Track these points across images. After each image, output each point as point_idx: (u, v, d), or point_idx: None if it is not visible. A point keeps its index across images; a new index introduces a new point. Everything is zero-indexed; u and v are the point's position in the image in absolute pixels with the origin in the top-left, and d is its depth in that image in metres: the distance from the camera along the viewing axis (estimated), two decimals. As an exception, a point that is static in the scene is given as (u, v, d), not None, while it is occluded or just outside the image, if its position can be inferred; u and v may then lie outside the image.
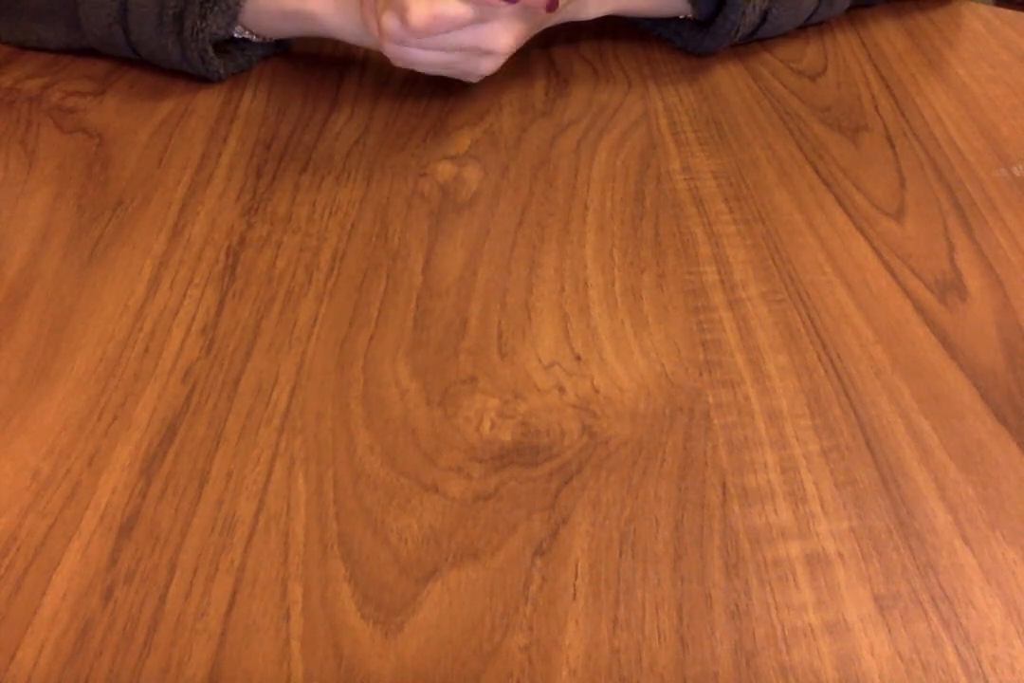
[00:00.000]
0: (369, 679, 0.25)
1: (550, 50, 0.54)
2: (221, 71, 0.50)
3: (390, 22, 0.41)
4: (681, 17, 0.53)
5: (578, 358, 0.35)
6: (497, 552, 0.28)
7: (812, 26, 0.56)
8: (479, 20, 0.41)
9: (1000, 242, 0.40)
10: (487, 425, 0.32)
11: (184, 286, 0.38)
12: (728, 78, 0.52)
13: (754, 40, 0.54)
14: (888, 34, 0.56)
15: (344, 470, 0.30)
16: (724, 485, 0.30)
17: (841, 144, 0.46)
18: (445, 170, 0.45)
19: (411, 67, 0.45)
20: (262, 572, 0.28)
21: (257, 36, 0.50)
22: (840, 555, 0.28)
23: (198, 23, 0.46)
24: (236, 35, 0.50)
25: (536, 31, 0.46)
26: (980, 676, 0.25)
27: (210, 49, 0.48)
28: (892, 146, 0.46)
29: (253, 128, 0.48)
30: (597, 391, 0.33)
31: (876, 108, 0.49)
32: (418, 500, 0.30)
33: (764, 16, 0.50)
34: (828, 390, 0.33)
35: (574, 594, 0.27)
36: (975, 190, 0.43)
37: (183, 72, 0.51)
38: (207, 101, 0.50)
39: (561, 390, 0.33)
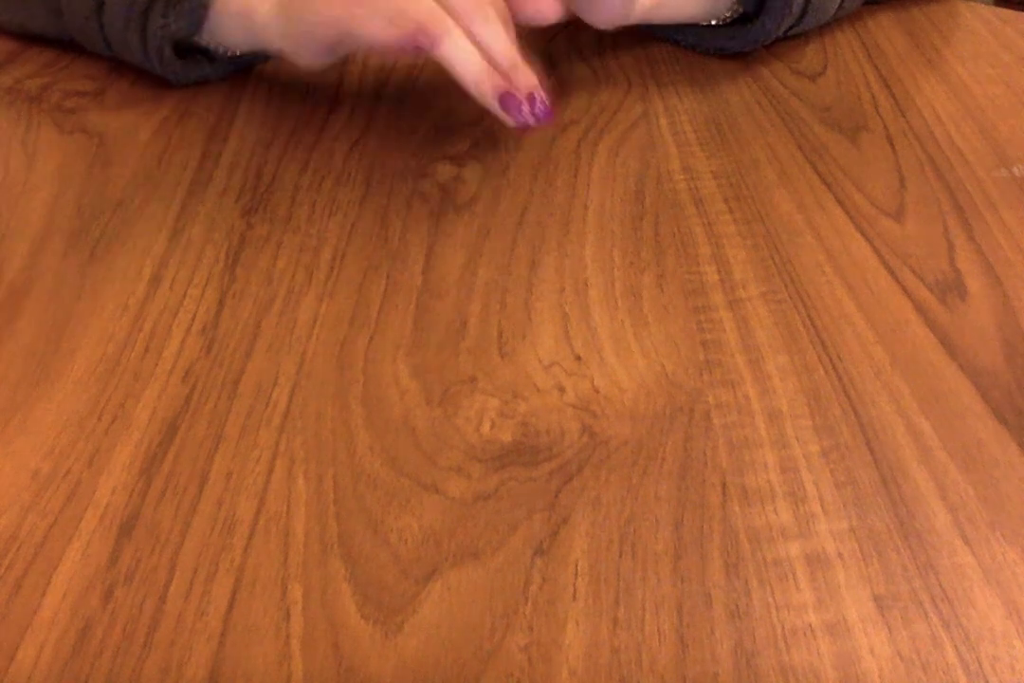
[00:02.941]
0: (369, 679, 0.25)
1: (550, 50, 0.54)
2: (181, 76, 0.49)
3: None
4: (727, 18, 0.51)
5: (578, 358, 0.35)
6: (497, 552, 0.28)
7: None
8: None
9: (1000, 242, 0.40)
10: (487, 425, 0.32)
11: (184, 286, 0.38)
12: (728, 78, 0.52)
13: (792, 35, 0.53)
14: (888, 34, 0.56)
15: (344, 470, 0.31)
16: (724, 485, 0.30)
17: (841, 144, 0.46)
18: (445, 170, 0.45)
19: None
20: (262, 572, 0.28)
21: (217, 46, 0.49)
22: (840, 555, 0.28)
23: (160, 21, 0.45)
24: (200, 44, 0.48)
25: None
26: (980, 676, 0.25)
27: (168, 49, 0.47)
28: (892, 146, 0.46)
29: (253, 128, 0.48)
30: (597, 391, 0.33)
31: (876, 108, 0.49)
32: (418, 500, 0.30)
33: (805, 4, 0.49)
34: (828, 390, 0.33)
35: (574, 594, 0.27)
36: (975, 190, 0.43)
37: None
38: (207, 101, 0.49)
39: (561, 390, 0.33)
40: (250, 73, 0.52)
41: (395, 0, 0.39)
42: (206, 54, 0.50)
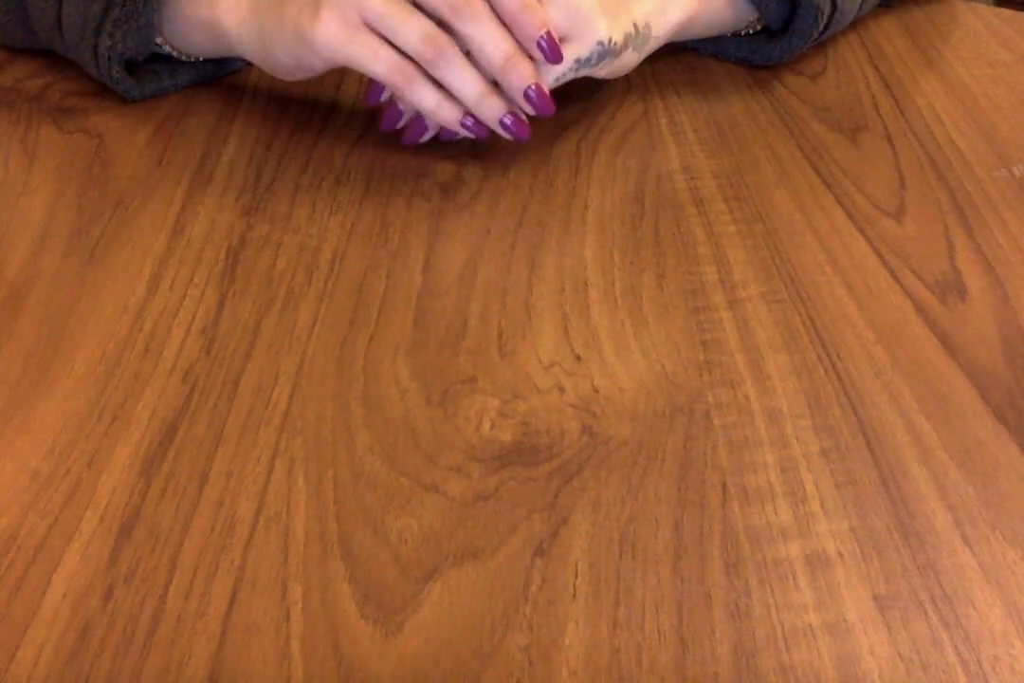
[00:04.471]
0: (369, 679, 0.25)
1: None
2: (135, 92, 0.48)
3: None
4: (750, 30, 0.51)
5: (578, 358, 0.35)
6: (497, 552, 0.28)
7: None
8: None
9: (1000, 242, 0.40)
10: (487, 425, 0.32)
11: (184, 286, 0.38)
12: (728, 78, 0.52)
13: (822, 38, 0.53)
14: (888, 34, 0.56)
15: (344, 470, 0.30)
16: (724, 485, 0.30)
17: (841, 144, 0.46)
18: (445, 170, 0.45)
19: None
20: (262, 572, 0.28)
21: (180, 53, 0.49)
22: (840, 555, 0.28)
23: (107, 41, 0.45)
24: (162, 52, 0.48)
25: None
26: (980, 676, 0.25)
27: (118, 67, 0.46)
28: (892, 146, 0.46)
29: (253, 128, 0.48)
30: (597, 391, 0.33)
31: (876, 108, 0.49)
32: (418, 500, 0.30)
33: (834, 6, 0.49)
34: (828, 390, 0.33)
35: (574, 594, 0.27)
36: (975, 190, 0.43)
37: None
38: (207, 101, 0.50)
39: (561, 390, 0.33)
40: (250, 73, 0.52)
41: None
42: (168, 60, 0.50)
